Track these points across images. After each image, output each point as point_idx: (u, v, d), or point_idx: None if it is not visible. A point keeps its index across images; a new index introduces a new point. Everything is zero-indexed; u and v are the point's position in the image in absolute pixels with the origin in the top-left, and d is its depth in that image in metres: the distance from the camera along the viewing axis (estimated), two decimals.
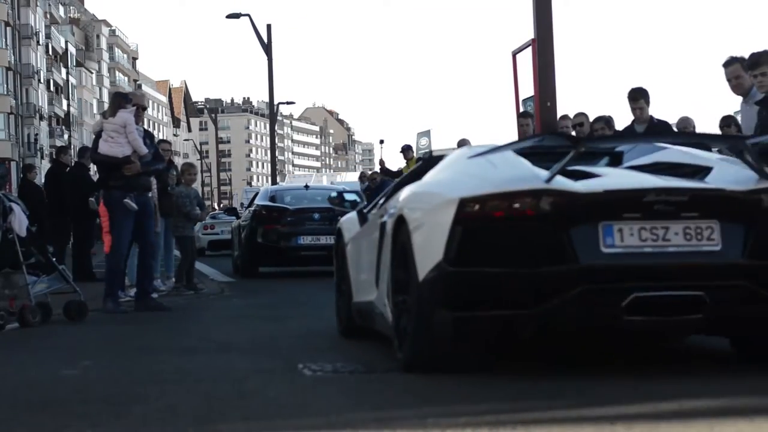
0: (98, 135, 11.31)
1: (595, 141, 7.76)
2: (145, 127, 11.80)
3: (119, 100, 11.47)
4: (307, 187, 19.68)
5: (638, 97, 10.86)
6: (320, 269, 15.77)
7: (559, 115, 13.57)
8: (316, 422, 4.50)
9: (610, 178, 5.78)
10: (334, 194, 9.82)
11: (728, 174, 5.77)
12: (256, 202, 18.21)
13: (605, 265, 5.36)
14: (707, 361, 6.45)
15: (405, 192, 6.33)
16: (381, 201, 7.24)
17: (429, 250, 5.57)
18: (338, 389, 5.34)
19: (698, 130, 11.38)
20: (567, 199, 5.43)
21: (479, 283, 5.44)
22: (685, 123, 11.29)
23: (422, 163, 7.47)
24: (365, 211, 7.59)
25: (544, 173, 5.56)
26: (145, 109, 11.79)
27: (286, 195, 18.80)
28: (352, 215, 7.93)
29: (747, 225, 5.49)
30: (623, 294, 5.31)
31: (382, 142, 27.50)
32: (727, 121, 10.79)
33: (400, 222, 6.03)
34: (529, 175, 5.64)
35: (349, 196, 9.17)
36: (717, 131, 10.41)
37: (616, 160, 6.57)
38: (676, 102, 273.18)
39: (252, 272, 17.37)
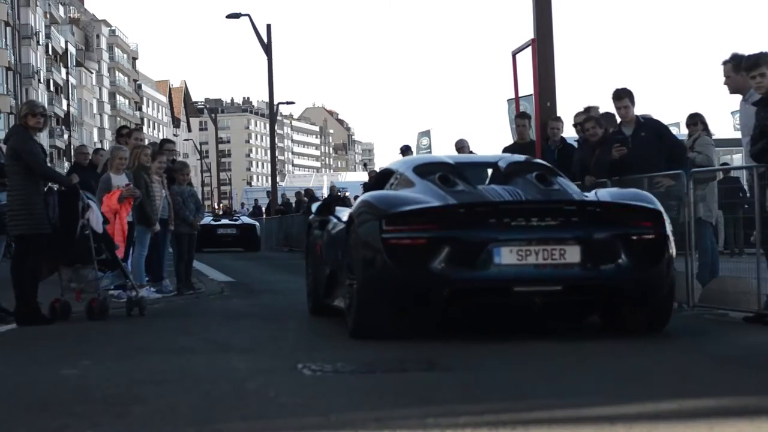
0: None
1: None
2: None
3: None
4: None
5: (623, 95, 10.93)
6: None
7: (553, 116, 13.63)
8: (316, 422, 4.50)
9: None
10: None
11: None
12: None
13: None
14: (707, 362, 6.45)
15: None
16: None
17: None
18: (338, 389, 5.34)
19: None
20: None
21: None
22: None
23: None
24: None
25: None
26: None
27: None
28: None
29: None
30: None
31: (367, 167, 32.26)
32: (693, 119, 11.63)
33: None
34: None
35: None
36: (722, 127, 11.94)
37: None
38: (677, 101, 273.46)
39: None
